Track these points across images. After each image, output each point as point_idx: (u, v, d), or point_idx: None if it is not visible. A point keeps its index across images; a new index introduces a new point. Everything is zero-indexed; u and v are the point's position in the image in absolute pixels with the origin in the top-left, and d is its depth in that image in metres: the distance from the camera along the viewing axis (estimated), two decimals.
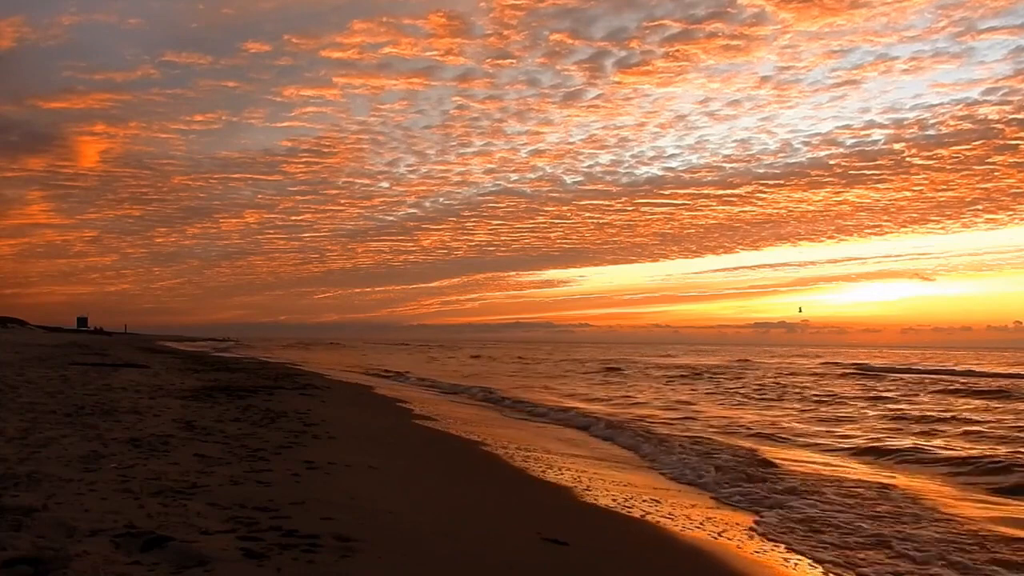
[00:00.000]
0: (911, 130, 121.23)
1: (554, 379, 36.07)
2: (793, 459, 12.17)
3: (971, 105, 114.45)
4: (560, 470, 10.09)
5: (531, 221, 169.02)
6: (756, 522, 7.76)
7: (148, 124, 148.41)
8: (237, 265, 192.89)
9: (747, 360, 61.60)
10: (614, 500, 8.22)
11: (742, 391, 28.36)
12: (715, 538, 6.89)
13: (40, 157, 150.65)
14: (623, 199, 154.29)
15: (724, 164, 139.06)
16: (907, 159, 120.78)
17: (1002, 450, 13.45)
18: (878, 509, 8.53)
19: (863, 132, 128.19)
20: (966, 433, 16.30)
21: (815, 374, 41.35)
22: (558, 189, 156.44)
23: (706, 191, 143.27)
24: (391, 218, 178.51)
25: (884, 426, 17.71)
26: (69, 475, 6.35)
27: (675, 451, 12.59)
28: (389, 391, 23.63)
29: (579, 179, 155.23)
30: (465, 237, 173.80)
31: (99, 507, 5.32)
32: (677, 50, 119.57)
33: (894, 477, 10.98)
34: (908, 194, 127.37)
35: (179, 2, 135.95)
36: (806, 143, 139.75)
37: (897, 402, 24.03)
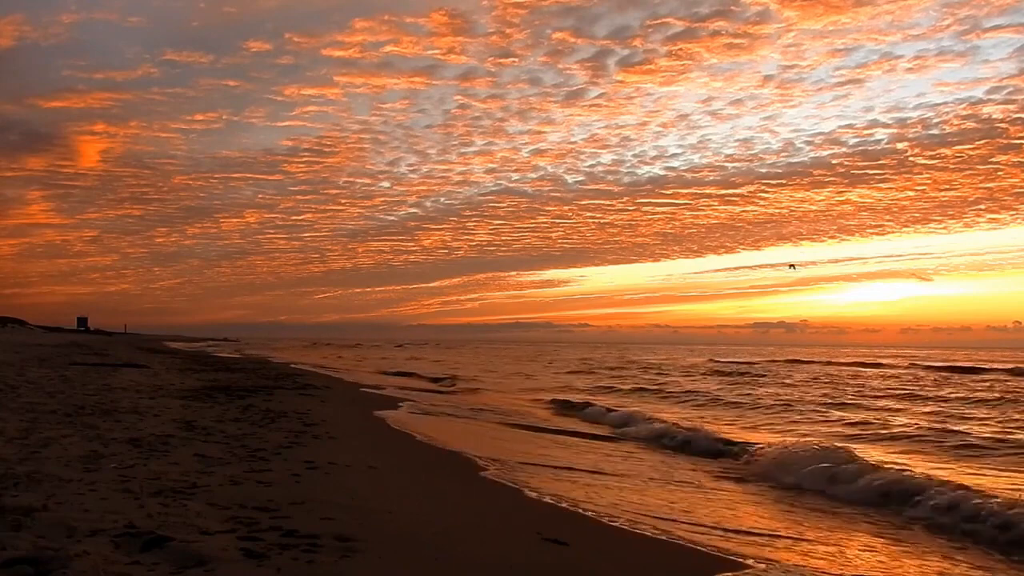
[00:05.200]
0: (914, 129, 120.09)
1: None
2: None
3: (975, 104, 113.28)
4: None
5: (532, 221, 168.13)
6: None
7: (148, 123, 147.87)
8: (237, 265, 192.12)
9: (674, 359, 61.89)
10: None
11: None
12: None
13: (40, 157, 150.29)
14: (625, 199, 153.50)
15: (726, 163, 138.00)
16: (910, 158, 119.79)
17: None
18: None
19: (866, 131, 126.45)
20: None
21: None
22: (559, 189, 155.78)
23: (708, 191, 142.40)
24: (392, 218, 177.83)
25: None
26: (69, 475, 6.35)
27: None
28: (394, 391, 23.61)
29: (581, 179, 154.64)
30: (466, 237, 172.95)
31: (99, 507, 5.31)
32: (680, 49, 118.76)
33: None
34: (911, 194, 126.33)
35: (180, 1, 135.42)
36: (809, 142, 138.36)
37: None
